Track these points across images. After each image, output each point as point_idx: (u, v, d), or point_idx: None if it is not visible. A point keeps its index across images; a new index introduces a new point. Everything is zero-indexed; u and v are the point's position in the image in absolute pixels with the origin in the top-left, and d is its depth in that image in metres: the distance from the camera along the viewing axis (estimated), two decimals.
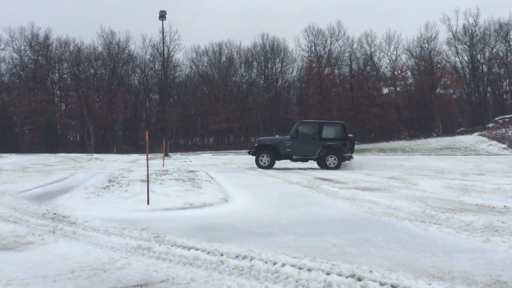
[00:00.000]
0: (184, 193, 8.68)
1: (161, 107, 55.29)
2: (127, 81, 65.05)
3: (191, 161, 23.39)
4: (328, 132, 17.93)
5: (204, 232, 5.47)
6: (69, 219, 6.18)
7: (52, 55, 61.63)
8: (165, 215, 6.66)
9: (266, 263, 3.99)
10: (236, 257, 4.22)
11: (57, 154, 39.08)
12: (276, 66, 63.21)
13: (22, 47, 60.38)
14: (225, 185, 10.71)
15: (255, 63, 64.02)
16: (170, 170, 14.53)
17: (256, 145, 17.86)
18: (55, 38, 61.52)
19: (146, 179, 9.33)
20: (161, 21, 33.09)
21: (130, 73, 65.08)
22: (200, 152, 47.97)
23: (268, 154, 17.38)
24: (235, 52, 64.30)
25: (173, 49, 61.75)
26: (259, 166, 17.27)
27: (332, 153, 17.35)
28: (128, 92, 63.44)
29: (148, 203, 7.32)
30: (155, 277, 3.64)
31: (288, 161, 18.07)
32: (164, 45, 43.18)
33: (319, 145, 17.36)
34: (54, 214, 6.61)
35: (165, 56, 46.70)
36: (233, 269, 3.88)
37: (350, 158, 17.67)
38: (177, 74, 65.32)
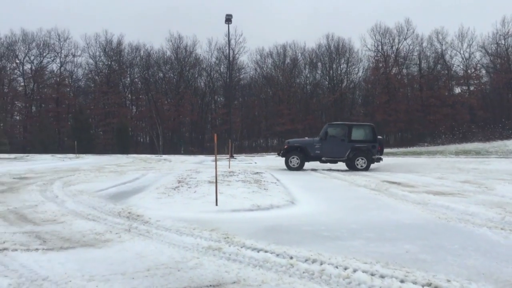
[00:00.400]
0: (251, 194, 8.77)
1: (226, 109, 56.24)
2: (194, 84, 66.83)
3: (256, 163, 23.59)
4: (357, 134, 17.92)
5: (272, 234, 5.50)
6: (142, 218, 6.43)
7: (124, 60, 64.66)
8: (233, 217, 6.76)
9: (337, 268, 3.94)
10: (306, 260, 4.20)
11: (129, 155, 40.90)
12: (341, 66, 62.41)
13: (97, 53, 63.90)
14: (291, 187, 10.70)
15: (319, 64, 63.58)
16: (236, 171, 14.74)
17: (285, 147, 17.88)
18: (127, 43, 64.56)
19: (215, 180, 9.52)
20: (227, 25, 33.69)
21: (196, 76, 66.84)
22: (264, 153, 48.27)
23: (297, 156, 17.45)
24: (300, 54, 64.22)
25: (238, 51, 62.71)
26: (288, 167, 17.40)
27: (361, 154, 17.41)
28: (194, 95, 65.16)
29: (216, 204, 7.47)
30: (227, 278, 3.70)
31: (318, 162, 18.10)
32: (230, 48, 43.84)
33: (348, 147, 17.42)
34: (129, 213, 6.90)
35: (231, 59, 47.44)
36: (303, 272, 3.86)
37: (379, 160, 17.70)
38: (241, 76, 66.26)
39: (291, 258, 4.26)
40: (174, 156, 37.52)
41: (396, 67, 59.52)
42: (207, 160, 28.98)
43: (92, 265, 4.03)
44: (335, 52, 61.78)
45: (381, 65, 59.29)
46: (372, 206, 7.89)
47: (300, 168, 17.33)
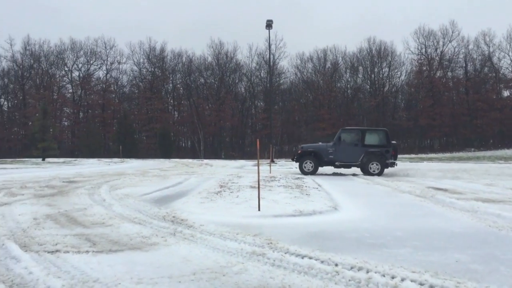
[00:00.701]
0: (293, 200, 8.74)
1: (267, 114, 56.41)
2: (234, 89, 67.43)
3: (296, 168, 23.47)
4: (371, 139, 18.07)
5: (316, 240, 5.45)
6: (186, 222, 6.52)
7: (166, 66, 66.13)
8: (276, 222, 6.76)
9: (384, 276, 3.86)
10: (351, 268, 4.14)
11: (171, 159, 41.65)
12: (383, 70, 61.44)
13: (141, 60, 65.68)
14: (333, 193, 10.58)
15: (360, 68, 62.85)
16: (277, 176, 14.74)
17: (299, 151, 18.12)
18: (169, 50, 66.03)
19: (257, 185, 9.55)
20: (267, 30, 33.80)
21: (237, 81, 67.45)
22: None
23: (311, 160, 17.71)
24: (340, 58, 63.71)
25: (278, 56, 62.86)
26: (302, 172, 17.57)
27: (375, 159, 17.49)
28: (235, 100, 65.72)
29: (259, 209, 7.49)
30: (272, 284, 3.70)
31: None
32: (270, 53, 43.95)
33: (361, 152, 17.56)
34: (173, 217, 7.02)
35: (271, 64, 47.49)
36: (349, 280, 3.81)
37: (393, 164, 17.72)
38: (281, 81, 66.34)
39: (336, 265, 4.22)
40: (215, 161, 37.91)
41: (440, 70, 58.02)
42: (247, 165, 29.12)
43: (140, 268, 4.12)
44: (377, 56, 60.89)
45: (424, 68, 57.95)
46: (418, 213, 7.70)
47: (314, 172, 17.57)
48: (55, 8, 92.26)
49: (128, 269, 4.09)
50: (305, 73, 66.34)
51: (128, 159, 40.25)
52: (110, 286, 3.56)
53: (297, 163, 18.12)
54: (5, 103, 65.67)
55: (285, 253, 4.66)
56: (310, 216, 7.31)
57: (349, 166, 17.95)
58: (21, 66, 63.27)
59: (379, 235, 5.80)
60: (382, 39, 61.10)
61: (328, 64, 64.08)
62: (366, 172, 17.39)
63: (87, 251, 4.75)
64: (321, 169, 18.34)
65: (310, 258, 4.47)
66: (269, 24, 33.51)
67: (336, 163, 17.71)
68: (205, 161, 37.39)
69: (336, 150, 17.67)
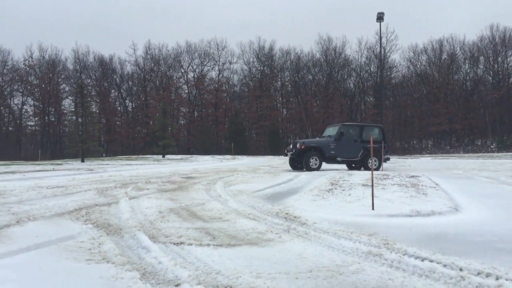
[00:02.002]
0: (409, 199, 8.39)
1: (377, 110, 54.71)
2: (343, 85, 66.50)
3: (409, 165, 22.48)
4: (369, 134, 18.24)
5: (436, 242, 5.19)
6: (299, 220, 6.59)
7: (275, 64, 67.25)
8: (391, 222, 6.55)
9: None
10: (478, 274, 3.87)
11: (280, 156, 42.26)
12: (508, 59, 56.23)
13: (251, 59, 67.64)
14: (452, 193, 9.94)
15: (482, 58, 58.16)
16: (390, 174, 14.23)
17: (303, 147, 17.42)
18: (278, 48, 67.23)
19: (369, 183, 9.34)
20: (378, 23, 32.79)
21: (345, 77, 66.43)
22: (417, 155, 45.75)
23: (317, 156, 17.34)
24: (458, 48, 59.67)
25: (389, 50, 60.70)
26: (308, 168, 17.02)
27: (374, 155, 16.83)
28: (343, 96, 64.74)
29: (373, 208, 7.32)
30: (391, 286, 3.61)
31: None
32: (381, 47, 42.54)
33: (361, 147, 17.94)
34: (286, 214, 7.14)
35: (382, 57, 45.95)
36: (477, 287, 3.57)
37: (386, 159, 18.70)
38: (393, 75, 63.99)
39: (461, 270, 3.98)
40: None
41: None
42: None
43: (257, 263, 4.26)
44: (501, 44, 55.98)
45: None
46: None
47: (318, 168, 17.20)
48: (172, 14, 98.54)
49: (246, 263, 4.25)
50: (418, 66, 63.23)
51: (239, 156, 41.66)
52: (232, 279, 3.73)
53: (288, 158, 18.57)
54: (130, 104, 71.73)
55: (403, 255, 4.50)
56: (428, 216, 6.96)
57: (350, 162, 18.24)
58: (143, 70, 68.62)
59: (510, 239, 5.34)
60: (506, 26, 55.96)
61: (445, 55, 60.35)
62: (366, 167, 17.75)
63: (208, 244, 5.03)
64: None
65: (431, 261, 4.26)
66: (380, 17, 32.51)
67: (338, 158, 17.76)
68: None
69: (338, 146, 17.71)
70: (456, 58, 59.83)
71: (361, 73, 65.01)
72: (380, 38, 38.04)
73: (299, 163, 17.93)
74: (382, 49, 53.86)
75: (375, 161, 17.72)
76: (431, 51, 61.20)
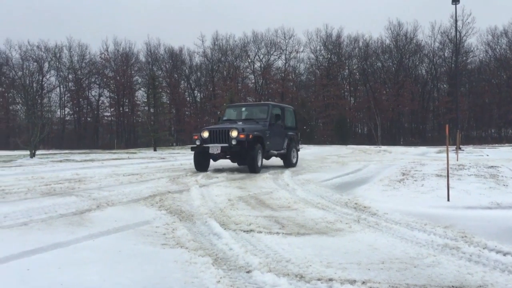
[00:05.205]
0: (488, 191, 7.94)
1: (451, 97, 52.20)
2: (414, 72, 64.10)
3: (487, 155, 21.25)
4: (289, 119, 14.52)
5: None
6: (370, 210, 6.45)
7: (343, 52, 65.94)
8: (468, 214, 6.22)
9: None
10: None
11: (348, 146, 41.58)
12: None
13: (318, 48, 66.96)
14: None
15: None
16: (466, 164, 13.55)
17: (251, 136, 11.68)
18: (346, 36, 65.70)
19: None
20: (454, 5, 31.08)
21: (417, 63, 63.92)
22: (496, 145, 43.18)
23: (260, 150, 12.20)
24: None
25: (465, 33, 57.64)
26: (254, 169, 11.81)
27: (294, 146, 14.33)
28: (415, 83, 62.40)
29: (448, 200, 7.00)
30: (470, 280, 3.43)
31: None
32: (456, 31, 40.35)
33: (285, 137, 13.82)
34: (355, 203, 7.01)
35: (457, 42, 43.59)
36: None
37: (298, 150, 15.02)
38: (469, 60, 60.60)
39: None
40: (394, 147, 36.62)
41: None
42: (429, 151, 27.43)
43: (327, 252, 4.22)
44: None
45: None
46: None
47: (260, 169, 12.23)
48: (239, 5, 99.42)
49: (316, 252, 4.22)
50: (497, 50, 59.48)
51: (306, 145, 41.45)
52: (302, 267, 3.72)
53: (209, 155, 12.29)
54: (198, 94, 73.52)
55: (483, 249, 4.26)
56: (510, 209, 6.53)
57: (276, 156, 13.73)
58: (211, 60, 69.93)
59: None
60: None
61: None
62: (288, 163, 13.88)
63: (277, 233, 5.04)
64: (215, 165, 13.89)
65: None
66: None
67: (272, 151, 13.17)
68: (383, 147, 36.40)
69: (271, 135, 12.91)
70: None
71: (434, 59, 62.22)
72: (456, 21, 36.08)
73: (238, 160, 12.86)
74: (458, 33, 51.06)
75: (295, 153, 14.45)
76: (511, 34, 57.27)
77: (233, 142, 11.56)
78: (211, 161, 12.92)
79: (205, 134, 12.18)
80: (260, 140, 12.22)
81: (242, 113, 14.07)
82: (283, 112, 14.00)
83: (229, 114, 14.21)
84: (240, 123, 12.98)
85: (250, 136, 11.66)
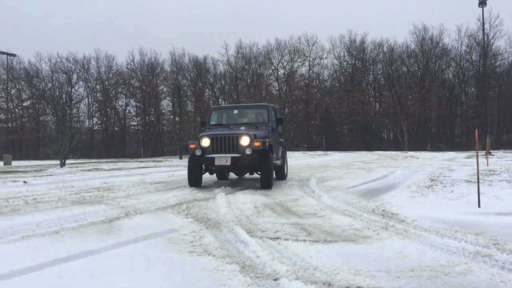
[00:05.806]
0: None
1: (480, 101, 51.12)
2: (441, 76, 63.04)
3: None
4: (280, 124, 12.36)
5: None
6: (398, 217, 6.35)
7: (367, 57, 65.46)
8: (501, 221, 6.05)
9: None
10: None
11: (373, 151, 41.12)
12: None
13: (342, 54, 66.67)
14: None
15: None
16: (497, 170, 13.23)
17: (267, 144, 9.85)
18: (370, 41, 65.18)
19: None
20: (481, 8, 30.53)
21: (444, 67, 62.84)
22: None
23: None
24: None
25: (493, 36, 56.44)
26: (269, 184, 10.01)
27: (285, 155, 12.97)
28: (441, 88, 61.37)
29: (479, 206, 6.84)
30: None
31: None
32: (484, 34, 39.56)
33: (280, 144, 12.13)
34: (383, 210, 6.92)
35: (484, 45, 42.76)
36: None
37: None
38: (497, 63, 59.27)
39: None
40: (421, 153, 36.02)
41: None
42: (458, 157, 26.86)
43: (355, 260, 4.18)
44: None
45: None
46: None
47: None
48: (262, 14, 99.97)
49: (344, 260, 4.18)
50: None
51: (331, 152, 41.18)
52: (330, 275, 3.69)
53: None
54: (222, 102, 73.91)
55: None
56: None
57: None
58: (234, 68, 70.36)
59: None
60: None
61: None
62: (281, 175, 12.08)
63: (304, 240, 5.02)
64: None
65: None
66: (482, 1, 30.23)
67: (277, 162, 11.39)
68: (410, 153, 35.84)
69: (274, 143, 11.08)
70: None
71: (461, 63, 61.07)
72: (483, 24, 35.39)
73: (240, 172, 11.77)
74: (485, 36, 50.05)
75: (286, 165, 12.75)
76: None
77: (247, 152, 9.55)
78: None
79: (206, 142, 9.95)
80: (271, 149, 10.28)
81: (234, 117, 12.00)
82: (275, 114, 12.34)
83: (216, 118, 11.91)
84: (243, 128, 10.80)
85: (267, 144, 9.76)
